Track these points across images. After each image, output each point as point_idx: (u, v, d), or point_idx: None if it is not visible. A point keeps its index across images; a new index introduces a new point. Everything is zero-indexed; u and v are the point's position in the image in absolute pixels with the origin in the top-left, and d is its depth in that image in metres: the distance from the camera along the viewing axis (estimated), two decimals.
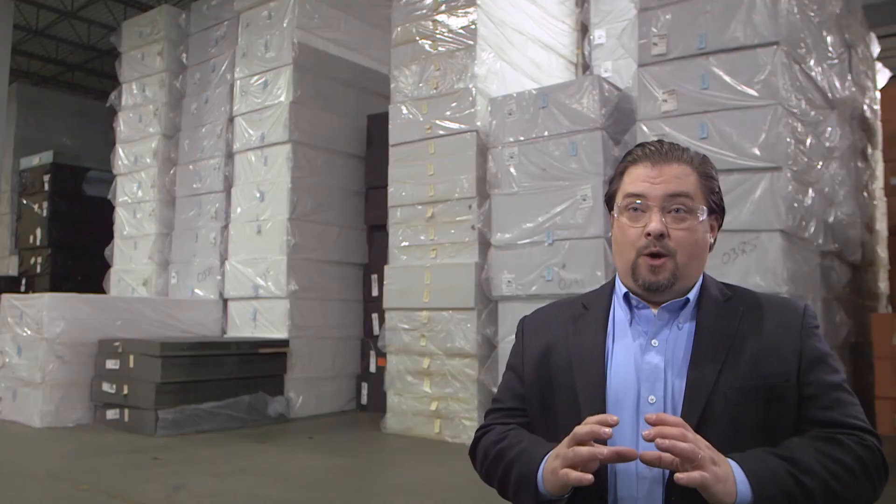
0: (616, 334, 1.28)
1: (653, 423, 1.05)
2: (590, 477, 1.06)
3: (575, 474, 1.07)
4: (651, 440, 1.04)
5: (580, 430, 1.09)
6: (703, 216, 1.24)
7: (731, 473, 1.05)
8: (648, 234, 1.21)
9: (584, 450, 1.07)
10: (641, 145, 1.32)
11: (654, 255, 1.22)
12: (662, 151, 1.28)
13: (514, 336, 1.46)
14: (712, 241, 1.30)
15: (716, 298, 1.26)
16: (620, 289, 1.31)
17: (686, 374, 1.18)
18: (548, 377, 1.30)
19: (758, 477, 1.05)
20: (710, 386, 1.16)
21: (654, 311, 1.25)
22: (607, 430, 1.07)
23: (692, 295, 1.26)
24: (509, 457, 1.25)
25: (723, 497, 1.02)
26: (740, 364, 1.17)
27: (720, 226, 1.33)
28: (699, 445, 1.04)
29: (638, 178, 1.26)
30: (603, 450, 1.06)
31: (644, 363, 1.21)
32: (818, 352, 1.21)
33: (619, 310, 1.30)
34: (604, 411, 1.20)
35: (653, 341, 1.23)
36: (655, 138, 4.26)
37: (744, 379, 1.16)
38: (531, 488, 1.17)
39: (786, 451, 1.10)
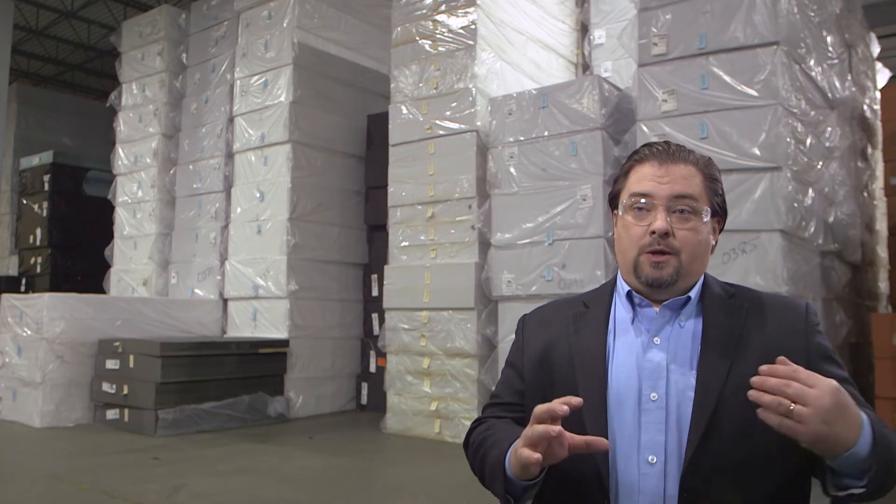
0: (617, 332, 1.28)
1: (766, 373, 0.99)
2: (537, 456, 1.04)
3: (525, 451, 1.05)
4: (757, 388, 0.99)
5: (539, 408, 1.07)
6: (707, 217, 1.25)
7: (844, 432, 0.97)
8: (653, 233, 1.22)
9: (539, 427, 1.06)
10: (648, 145, 1.32)
11: (657, 253, 1.22)
12: (669, 152, 1.28)
13: (513, 336, 1.46)
14: (714, 242, 1.30)
15: (719, 296, 1.27)
16: (623, 287, 1.31)
17: (695, 371, 1.18)
18: (549, 375, 1.30)
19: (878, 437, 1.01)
20: (720, 383, 1.15)
21: (656, 309, 1.25)
22: (564, 408, 1.05)
23: (693, 293, 1.26)
24: (486, 445, 1.25)
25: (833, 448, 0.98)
26: (748, 362, 1.17)
27: (722, 228, 1.33)
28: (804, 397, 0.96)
29: (644, 178, 1.27)
30: (554, 427, 1.03)
31: (646, 360, 1.21)
32: (824, 349, 1.22)
33: (620, 308, 1.30)
34: (605, 409, 1.20)
35: (655, 339, 1.23)
36: (656, 138, 4.27)
37: (752, 377, 1.16)
38: (500, 474, 1.17)
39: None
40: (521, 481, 1.14)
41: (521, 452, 1.06)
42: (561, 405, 1.05)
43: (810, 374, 0.98)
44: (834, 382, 0.97)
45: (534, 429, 1.07)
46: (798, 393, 0.95)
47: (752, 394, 0.99)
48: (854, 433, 0.98)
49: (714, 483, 1.11)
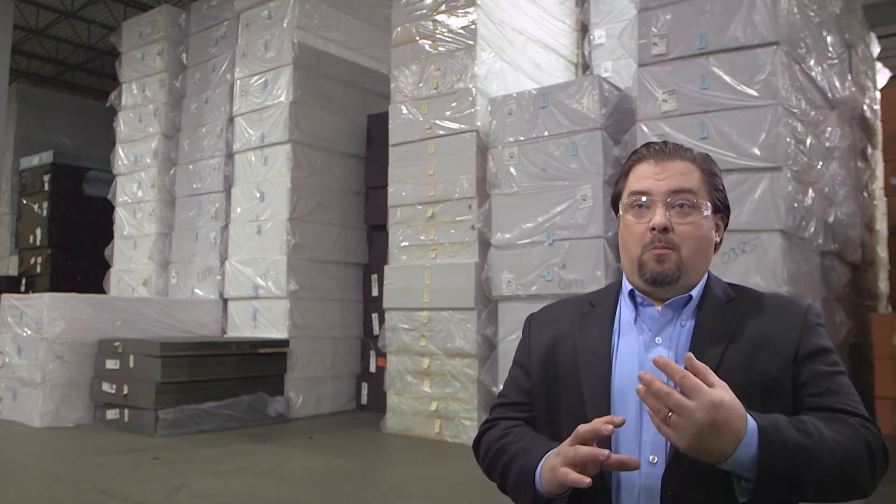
0: (621, 332, 1.28)
1: (657, 364, 1.02)
2: (588, 480, 1.05)
3: (573, 475, 1.06)
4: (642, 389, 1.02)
5: (583, 428, 1.08)
6: (708, 212, 1.26)
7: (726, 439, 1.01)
8: (653, 229, 1.22)
9: (584, 449, 1.06)
10: (646, 145, 1.33)
11: (659, 248, 1.23)
12: (666, 150, 1.29)
13: (514, 336, 1.48)
14: (718, 240, 1.31)
15: (718, 298, 1.27)
16: (626, 287, 1.32)
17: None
18: (554, 373, 1.31)
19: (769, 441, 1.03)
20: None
21: (659, 308, 1.26)
22: (609, 427, 1.06)
23: (696, 292, 1.26)
24: (510, 453, 1.25)
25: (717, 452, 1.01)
26: (737, 361, 1.18)
27: (726, 225, 1.34)
28: (686, 407, 0.99)
29: (642, 176, 1.28)
30: (604, 451, 1.04)
31: (648, 360, 1.22)
32: (816, 345, 1.21)
33: (624, 308, 1.31)
34: (608, 408, 1.20)
35: (656, 338, 1.24)
36: (656, 138, 4.26)
37: (741, 375, 1.16)
38: (529, 486, 1.17)
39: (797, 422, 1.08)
40: (551, 495, 1.14)
41: (567, 475, 1.06)
42: (605, 424, 1.06)
43: (697, 384, 1.00)
44: (715, 398, 0.99)
45: (577, 450, 1.07)
46: (676, 404, 0.99)
47: (639, 389, 1.02)
48: (730, 447, 1.01)
49: (697, 480, 1.10)
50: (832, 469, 1.05)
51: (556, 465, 1.10)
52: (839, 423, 1.10)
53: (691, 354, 1.03)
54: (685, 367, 1.02)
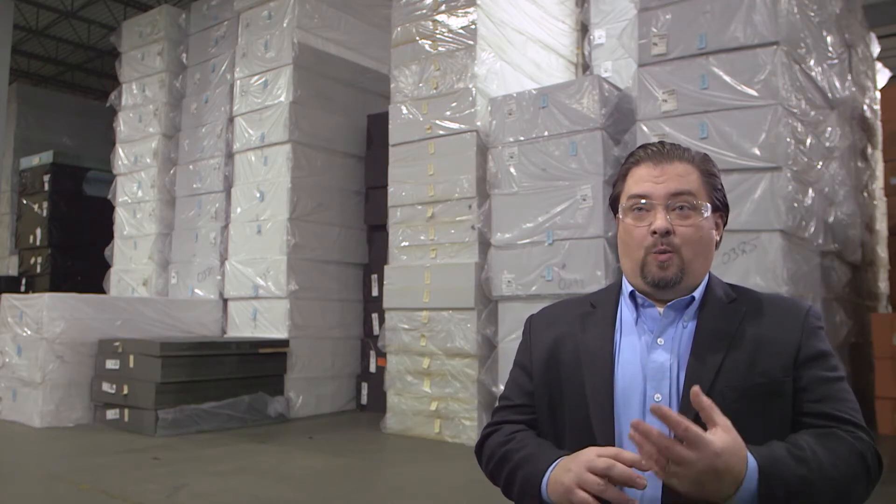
0: (623, 332, 1.28)
1: (655, 413, 1.03)
2: None
3: None
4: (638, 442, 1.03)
5: (618, 472, 1.06)
6: (707, 213, 1.26)
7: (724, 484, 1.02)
8: (654, 233, 1.22)
9: (615, 491, 1.06)
10: (643, 146, 1.33)
11: (661, 252, 1.23)
12: (664, 151, 1.29)
13: (514, 336, 1.48)
14: (718, 238, 1.31)
15: (720, 299, 1.27)
16: (627, 287, 1.31)
17: (686, 373, 1.19)
18: (556, 374, 1.30)
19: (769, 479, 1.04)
20: (707, 385, 1.16)
21: (660, 309, 1.26)
22: (643, 482, 1.05)
23: (697, 294, 1.26)
24: (515, 460, 1.25)
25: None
26: (738, 363, 1.18)
27: (725, 223, 1.34)
28: (685, 462, 1.00)
29: (641, 179, 1.28)
30: (634, 501, 1.05)
31: (650, 361, 1.22)
32: (816, 350, 1.21)
33: (625, 308, 1.31)
34: (611, 409, 1.21)
35: (658, 339, 1.24)
36: (656, 138, 4.27)
37: (742, 378, 1.17)
38: (535, 495, 1.17)
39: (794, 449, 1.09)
40: None
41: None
42: (640, 479, 1.04)
43: (698, 437, 0.99)
44: (717, 447, 0.99)
45: (606, 489, 1.06)
46: (679, 456, 0.99)
47: (633, 436, 1.02)
48: (730, 489, 1.02)
49: None
50: (830, 494, 1.06)
51: (571, 486, 1.10)
52: (835, 441, 1.11)
53: (698, 389, 1.02)
54: (691, 398, 1.02)
